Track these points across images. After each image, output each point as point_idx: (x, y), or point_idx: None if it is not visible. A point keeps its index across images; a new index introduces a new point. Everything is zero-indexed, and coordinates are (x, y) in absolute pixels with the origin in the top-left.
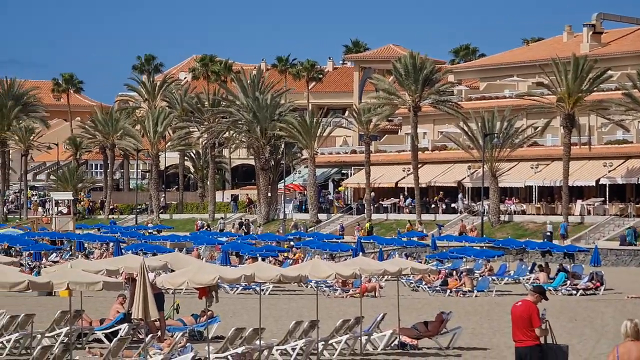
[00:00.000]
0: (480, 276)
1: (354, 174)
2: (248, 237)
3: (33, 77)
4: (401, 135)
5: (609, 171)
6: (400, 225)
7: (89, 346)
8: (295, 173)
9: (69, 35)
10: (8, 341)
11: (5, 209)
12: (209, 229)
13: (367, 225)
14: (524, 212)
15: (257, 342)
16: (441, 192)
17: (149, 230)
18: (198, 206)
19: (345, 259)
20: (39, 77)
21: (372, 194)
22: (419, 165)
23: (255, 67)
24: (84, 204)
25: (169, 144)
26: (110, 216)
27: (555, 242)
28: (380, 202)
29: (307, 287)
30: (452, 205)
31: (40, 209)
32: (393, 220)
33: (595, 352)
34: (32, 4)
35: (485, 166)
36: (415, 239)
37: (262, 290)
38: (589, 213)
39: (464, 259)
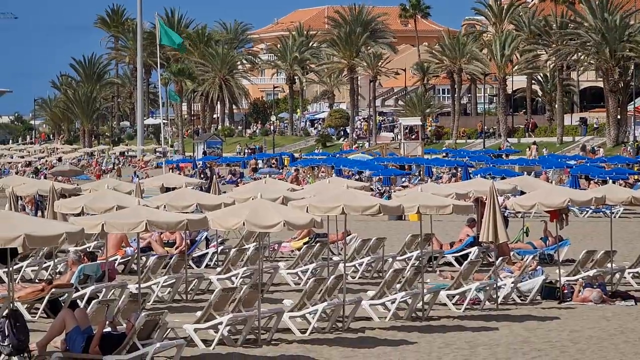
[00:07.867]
0: None
1: None
2: (597, 160)
3: (381, 3)
4: None
5: None
6: None
7: (439, 269)
8: None
9: None
10: (360, 264)
11: (354, 135)
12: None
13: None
14: None
15: (609, 265)
16: None
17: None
18: (546, 130)
19: None
20: (386, 3)
21: None
22: None
23: None
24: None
25: (516, 67)
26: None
27: None
28: None
29: None
30: None
31: (388, 134)
32: None
33: None
34: None
35: None
36: None
37: (613, 213)
38: None
39: None
